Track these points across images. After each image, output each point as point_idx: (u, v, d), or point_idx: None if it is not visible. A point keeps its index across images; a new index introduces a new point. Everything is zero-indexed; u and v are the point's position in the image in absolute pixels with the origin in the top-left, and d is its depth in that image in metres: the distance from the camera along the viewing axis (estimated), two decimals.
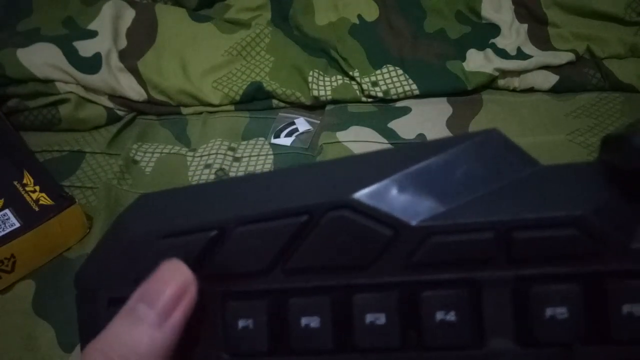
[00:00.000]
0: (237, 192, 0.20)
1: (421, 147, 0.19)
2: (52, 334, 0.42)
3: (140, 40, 0.60)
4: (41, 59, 0.55)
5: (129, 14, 0.61)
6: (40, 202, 0.46)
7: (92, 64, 0.56)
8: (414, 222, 0.17)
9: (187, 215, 0.20)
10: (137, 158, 0.54)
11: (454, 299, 0.17)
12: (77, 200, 0.47)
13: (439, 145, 0.18)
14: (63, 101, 0.56)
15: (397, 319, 0.18)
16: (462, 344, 0.17)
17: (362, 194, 0.18)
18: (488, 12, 0.63)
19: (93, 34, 0.58)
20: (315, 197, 0.18)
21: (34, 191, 0.47)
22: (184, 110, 0.58)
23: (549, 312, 0.17)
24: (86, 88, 0.56)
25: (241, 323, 0.18)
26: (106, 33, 0.58)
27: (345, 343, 0.18)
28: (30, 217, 0.45)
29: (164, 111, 0.58)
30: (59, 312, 0.43)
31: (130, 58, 0.58)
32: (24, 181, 0.48)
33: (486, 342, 0.18)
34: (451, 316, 0.17)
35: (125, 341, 0.17)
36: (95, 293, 0.20)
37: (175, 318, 0.17)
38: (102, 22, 0.59)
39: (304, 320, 0.18)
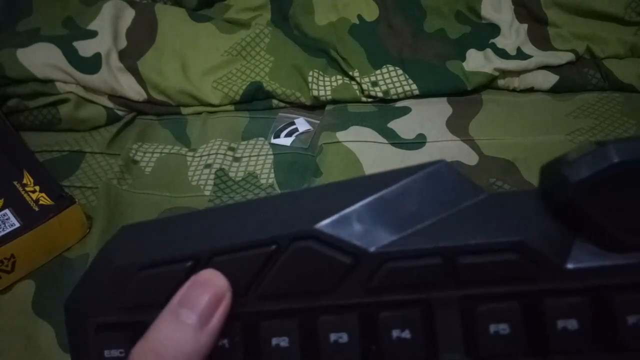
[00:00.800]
0: (212, 223, 0.22)
1: (378, 178, 0.21)
2: (52, 334, 0.42)
3: (140, 40, 0.60)
4: (41, 59, 0.55)
5: (129, 14, 0.61)
6: (40, 202, 0.46)
7: (92, 64, 0.56)
8: (371, 249, 0.19)
9: (166, 247, 0.21)
10: (137, 158, 0.54)
11: (408, 319, 0.19)
12: (77, 200, 0.47)
13: (394, 177, 0.20)
14: (63, 101, 0.56)
15: (358, 338, 0.20)
16: (417, 359, 0.19)
17: (323, 225, 0.20)
18: (488, 12, 0.63)
19: (93, 34, 0.58)
20: (283, 228, 0.20)
21: (34, 191, 0.47)
22: (184, 110, 0.58)
23: (492, 328, 0.19)
24: (86, 88, 0.56)
25: (219, 342, 0.20)
26: (106, 33, 0.58)
27: None
28: (30, 217, 0.45)
29: (163, 111, 0.58)
30: (59, 312, 0.43)
31: (130, 58, 0.58)
32: (24, 181, 0.48)
33: (439, 357, 0.19)
34: (406, 334, 0.19)
35: (173, 342, 0.18)
36: (84, 319, 0.22)
37: (214, 323, 0.19)
38: (102, 22, 0.59)
39: (274, 341, 0.20)
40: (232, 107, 0.58)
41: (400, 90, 0.57)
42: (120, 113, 0.58)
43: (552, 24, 0.61)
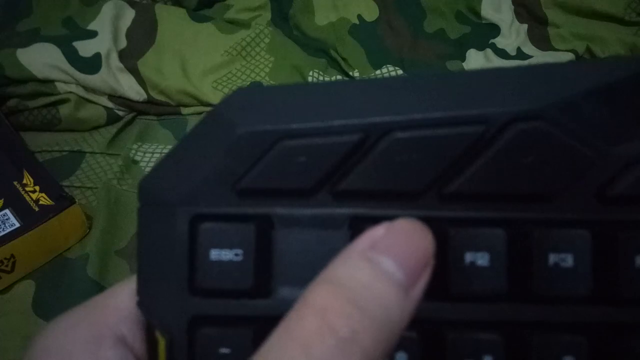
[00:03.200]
0: (377, 93, 0.16)
1: (601, 65, 0.16)
2: None
3: (140, 40, 0.60)
4: (41, 59, 0.55)
5: (129, 14, 0.61)
6: (40, 202, 0.46)
7: (92, 64, 0.56)
8: (615, 148, 0.15)
9: (313, 114, 0.16)
10: (137, 158, 0.54)
11: None
12: (77, 200, 0.47)
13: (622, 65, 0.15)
14: (63, 101, 0.56)
15: (589, 262, 0.15)
16: None
17: (554, 105, 0.15)
18: (488, 12, 0.63)
19: (93, 34, 0.58)
20: (494, 105, 0.15)
21: (34, 191, 0.47)
22: (184, 111, 0.58)
23: None
24: (86, 88, 0.56)
25: None
26: (106, 33, 0.58)
27: (519, 287, 0.15)
28: (30, 217, 0.45)
29: (163, 111, 0.58)
30: (59, 312, 0.43)
31: (130, 58, 0.58)
32: (24, 181, 0.48)
33: None
34: None
35: (374, 293, 0.13)
36: (172, 207, 0.16)
37: (417, 293, 0.13)
38: (102, 22, 0.59)
39: (468, 257, 0.15)
40: None
41: None
42: (120, 113, 0.58)
43: (552, 24, 0.61)
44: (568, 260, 0.15)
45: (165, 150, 0.55)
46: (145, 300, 0.17)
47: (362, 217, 0.16)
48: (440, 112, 0.15)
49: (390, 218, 0.15)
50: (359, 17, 0.63)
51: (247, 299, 0.16)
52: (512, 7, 0.63)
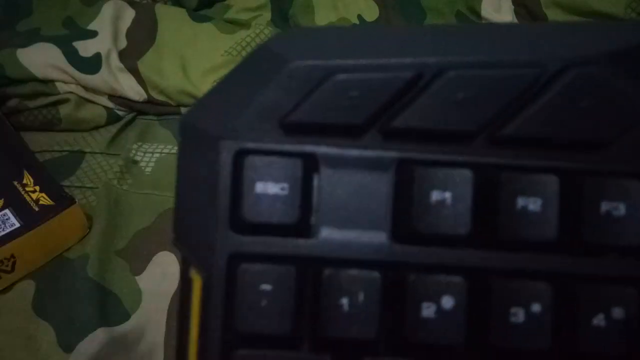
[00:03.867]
0: (429, 36, 0.16)
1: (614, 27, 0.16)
2: (52, 334, 0.42)
3: (140, 41, 0.60)
4: (41, 59, 0.55)
5: (129, 14, 0.61)
6: (40, 202, 0.46)
7: (92, 64, 0.56)
8: None
9: (366, 51, 0.15)
10: (137, 158, 0.54)
11: None
12: (77, 200, 0.47)
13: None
14: (63, 101, 0.56)
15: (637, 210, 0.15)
16: None
17: (611, 54, 0.15)
18: (488, 12, 0.63)
19: (93, 34, 0.58)
20: (550, 51, 0.15)
21: (34, 191, 0.47)
22: (184, 111, 0.58)
23: None
24: (86, 88, 0.56)
25: (435, 196, 0.15)
26: (106, 33, 0.58)
27: (569, 236, 0.15)
28: (30, 217, 0.45)
29: (164, 111, 0.58)
30: (59, 312, 0.43)
31: (130, 58, 0.58)
32: (24, 181, 0.48)
33: None
34: None
35: None
36: (216, 141, 0.16)
37: None
38: (102, 22, 0.59)
39: (520, 201, 0.15)
40: None
41: None
42: (120, 113, 0.58)
43: None
44: (621, 209, 0.15)
45: (166, 151, 0.55)
46: (182, 236, 0.16)
47: (411, 161, 0.16)
48: (497, 54, 0.15)
49: (439, 163, 0.15)
50: (359, 17, 0.63)
51: (289, 237, 0.16)
52: (512, 7, 0.63)
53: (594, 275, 0.15)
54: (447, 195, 0.15)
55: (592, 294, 0.15)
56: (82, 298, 0.44)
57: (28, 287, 0.44)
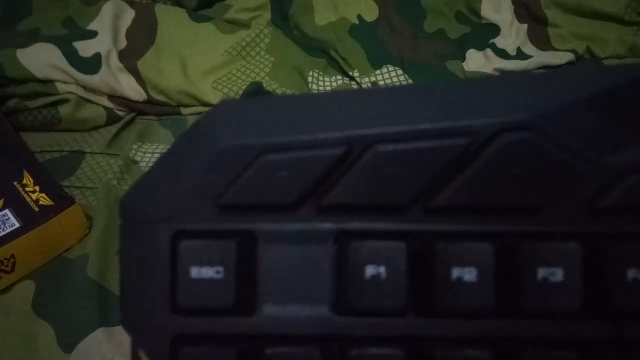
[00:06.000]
0: (359, 105, 0.16)
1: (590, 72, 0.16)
2: (52, 334, 0.42)
3: (140, 41, 0.60)
4: (41, 59, 0.55)
5: (129, 14, 0.61)
6: (40, 202, 0.46)
7: (92, 64, 0.56)
8: (606, 158, 0.14)
9: (296, 127, 0.16)
10: (137, 158, 0.54)
11: None
12: (77, 200, 0.47)
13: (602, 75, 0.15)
14: (63, 101, 0.56)
15: (579, 275, 0.15)
16: None
17: (543, 115, 0.14)
18: (488, 12, 0.63)
19: (93, 34, 0.58)
20: (480, 117, 0.14)
21: (34, 191, 0.47)
22: (184, 111, 0.58)
23: None
24: (86, 88, 0.56)
25: (370, 270, 0.16)
26: (106, 33, 0.58)
27: (507, 302, 0.15)
28: (30, 218, 0.45)
29: (163, 111, 0.58)
30: (59, 312, 0.43)
31: (130, 58, 0.58)
32: (24, 181, 0.48)
33: None
34: None
35: None
36: (154, 224, 0.16)
37: None
38: (101, 22, 0.59)
39: (455, 272, 0.15)
40: None
41: None
42: (120, 113, 0.58)
43: (552, 24, 0.61)
44: (558, 275, 0.15)
45: (165, 151, 0.54)
46: (128, 319, 0.16)
47: (347, 232, 0.16)
48: (425, 124, 0.15)
49: (375, 233, 0.15)
50: (359, 17, 0.63)
51: (230, 316, 0.16)
52: (512, 7, 0.63)
53: (534, 339, 0.15)
54: (382, 269, 0.15)
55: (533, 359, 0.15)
56: (82, 298, 0.44)
57: (28, 287, 0.44)
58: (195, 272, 0.16)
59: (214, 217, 0.16)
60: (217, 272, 0.16)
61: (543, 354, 0.15)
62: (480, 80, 0.16)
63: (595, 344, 0.15)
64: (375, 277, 0.15)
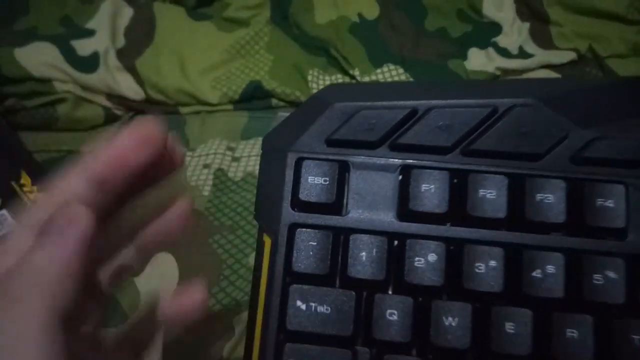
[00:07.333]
0: (433, 87, 0.27)
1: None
2: None
3: (138, 39, 0.59)
4: (38, 58, 0.55)
5: (127, 13, 0.60)
6: None
7: (90, 63, 0.56)
8: (584, 130, 0.24)
9: (382, 96, 0.26)
10: None
11: (612, 192, 0.23)
12: None
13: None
14: (60, 101, 0.55)
15: (564, 202, 0.24)
16: (619, 227, 0.23)
17: (547, 100, 0.24)
18: (490, 10, 0.62)
19: (91, 33, 0.58)
20: (502, 95, 0.25)
21: (32, 192, 0.47)
22: (182, 110, 0.58)
23: None
24: (84, 87, 0.56)
25: (424, 187, 0.25)
26: (104, 32, 0.58)
27: (517, 216, 0.24)
28: None
29: (162, 110, 0.58)
30: None
31: (128, 57, 0.58)
32: (22, 181, 0.47)
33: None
34: (610, 203, 0.23)
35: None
36: (284, 153, 0.26)
37: None
38: (100, 21, 0.58)
39: (480, 193, 0.24)
40: (231, 106, 0.58)
41: None
42: (118, 113, 0.57)
43: (555, 22, 0.61)
44: (550, 199, 0.24)
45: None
46: (261, 213, 0.26)
47: (409, 166, 0.26)
48: (467, 99, 0.25)
49: (428, 166, 0.25)
50: (360, 15, 0.62)
51: (329, 214, 0.26)
52: (514, 5, 0.62)
53: (531, 246, 0.25)
54: (432, 187, 0.25)
55: (530, 257, 0.25)
56: None
57: None
58: (311, 179, 0.25)
59: (324, 150, 0.26)
60: (325, 181, 0.25)
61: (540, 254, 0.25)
62: (501, 80, 0.31)
63: (574, 254, 0.24)
64: (427, 191, 0.25)
